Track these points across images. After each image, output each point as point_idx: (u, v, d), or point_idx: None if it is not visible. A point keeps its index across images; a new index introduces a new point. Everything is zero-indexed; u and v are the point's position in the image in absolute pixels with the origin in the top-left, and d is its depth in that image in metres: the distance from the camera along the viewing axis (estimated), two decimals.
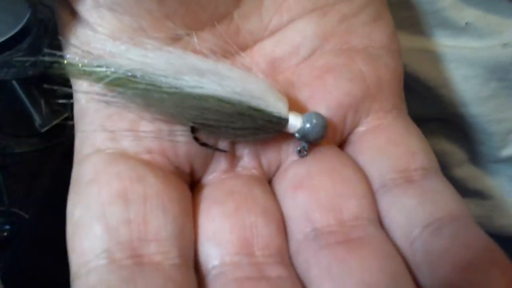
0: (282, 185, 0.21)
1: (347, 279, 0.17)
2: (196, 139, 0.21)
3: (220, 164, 0.22)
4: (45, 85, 0.20)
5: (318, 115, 0.21)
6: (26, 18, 0.56)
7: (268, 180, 0.23)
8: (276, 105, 0.21)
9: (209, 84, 0.20)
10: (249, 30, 0.23)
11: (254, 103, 0.20)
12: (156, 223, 0.18)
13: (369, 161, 0.22)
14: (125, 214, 0.18)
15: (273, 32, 0.23)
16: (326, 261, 0.18)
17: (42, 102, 0.66)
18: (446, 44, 0.30)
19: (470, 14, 0.29)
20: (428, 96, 0.32)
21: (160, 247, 0.18)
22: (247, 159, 0.22)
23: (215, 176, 0.22)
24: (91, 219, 0.18)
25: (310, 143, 0.22)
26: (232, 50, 0.22)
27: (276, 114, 0.21)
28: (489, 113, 0.31)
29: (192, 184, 0.22)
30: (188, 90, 0.20)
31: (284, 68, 0.23)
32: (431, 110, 0.33)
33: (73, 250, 0.18)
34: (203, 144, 0.21)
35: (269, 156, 0.22)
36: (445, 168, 0.34)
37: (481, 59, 0.30)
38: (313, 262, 0.18)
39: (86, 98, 0.20)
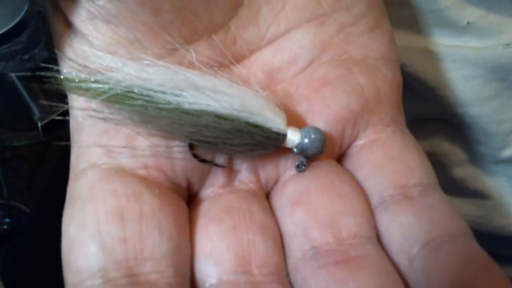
0: (281, 201, 0.22)
1: None
2: (194, 155, 0.21)
3: (217, 179, 0.22)
4: (41, 101, 0.20)
5: (316, 130, 0.21)
6: (24, 10, 0.56)
7: (266, 194, 0.23)
8: (275, 120, 0.21)
9: (207, 100, 0.20)
10: (246, 39, 0.23)
11: (252, 119, 0.20)
12: (152, 241, 0.18)
13: (367, 176, 0.22)
14: (121, 232, 0.18)
15: (270, 42, 0.23)
16: (324, 281, 0.18)
17: (41, 95, 0.66)
18: (447, 44, 0.30)
19: (471, 14, 0.29)
20: (429, 96, 0.32)
21: (156, 266, 0.18)
22: (245, 173, 0.22)
23: (213, 190, 0.22)
24: (87, 237, 0.18)
25: (308, 158, 0.22)
26: (228, 61, 0.22)
27: (275, 130, 0.21)
28: (490, 114, 0.31)
29: (189, 198, 0.22)
30: (186, 106, 0.20)
31: (282, 78, 0.23)
32: (431, 110, 0.33)
33: (68, 268, 0.18)
34: (202, 161, 0.21)
35: (267, 170, 0.22)
36: (445, 168, 0.35)
37: (483, 59, 0.30)
38: (311, 282, 0.19)
39: (82, 114, 0.21)
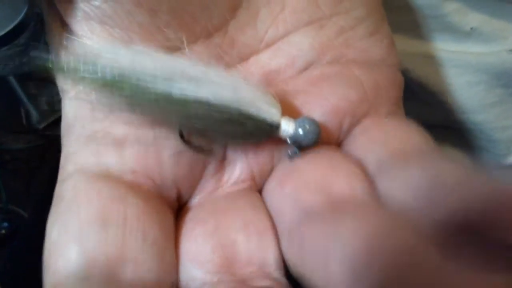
0: (270, 186, 0.21)
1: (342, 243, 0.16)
2: (186, 142, 0.20)
3: (208, 184, 0.22)
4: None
5: (311, 121, 0.21)
6: (24, 12, 0.56)
7: (260, 190, 0.22)
8: (268, 110, 0.21)
9: (198, 89, 0.20)
10: (244, 42, 0.22)
11: (245, 108, 0.20)
12: (135, 246, 0.18)
13: (364, 151, 0.21)
14: (103, 235, 0.18)
15: (268, 45, 0.23)
16: (321, 235, 0.17)
17: (40, 98, 0.66)
18: (451, 49, 0.30)
19: (475, 19, 0.29)
20: (432, 102, 0.32)
21: (138, 271, 0.18)
22: (237, 173, 0.22)
23: (202, 197, 0.22)
24: (68, 240, 0.18)
25: (302, 148, 0.21)
26: (226, 62, 0.22)
27: (268, 120, 0.20)
28: (493, 120, 0.31)
29: (179, 207, 0.22)
30: (177, 95, 0.19)
31: (280, 80, 0.23)
32: (434, 116, 0.33)
33: (47, 271, 0.18)
34: (194, 148, 0.21)
35: (261, 163, 0.22)
36: None
37: (486, 65, 0.30)
38: (307, 240, 0.18)
39: (73, 108, 0.21)
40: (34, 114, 0.68)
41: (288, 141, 0.21)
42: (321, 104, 0.22)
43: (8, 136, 0.71)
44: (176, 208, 0.22)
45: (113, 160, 0.20)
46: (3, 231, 0.64)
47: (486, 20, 0.29)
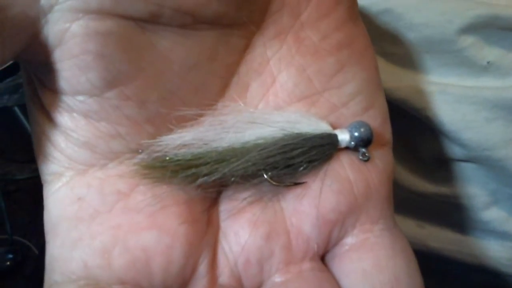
0: None
1: None
2: (274, 182, 0.22)
3: (199, 283, 0.21)
4: None
5: (359, 122, 0.23)
6: None
7: None
8: (321, 127, 0.23)
9: (259, 132, 0.22)
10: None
11: (303, 131, 0.23)
12: None
13: (353, 287, 0.22)
14: None
15: None
16: None
17: None
18: (467, 84, 0.31)
19: (491, 53, 0.30)
20: (450, 138, 0.32)
21: None
22: (226, 277, 0.22)
23: None
24: None
25: (366, 146, 0.23)
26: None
27: (326, 133, 0.23)
28: None
29: None
30: (249, 143, 0.22)
31: None
32: (454, 152, 0.33)
33: None
34: (284, 185, 0.22)
35: (250, 274, 0.22)
36: (471, 211, 0.35)
37: (503, 100, 0.30)
38: None
39: (57, 205, 0.21)
40: None
41: (352, 144, 0.23)
42: (311, 215, 0.23)
43: (12, 165, 0.72)
44: None
45: (101, 271, 0.20)
46: (8, 263, 0.65)
47: (503, 54, 0.30)
